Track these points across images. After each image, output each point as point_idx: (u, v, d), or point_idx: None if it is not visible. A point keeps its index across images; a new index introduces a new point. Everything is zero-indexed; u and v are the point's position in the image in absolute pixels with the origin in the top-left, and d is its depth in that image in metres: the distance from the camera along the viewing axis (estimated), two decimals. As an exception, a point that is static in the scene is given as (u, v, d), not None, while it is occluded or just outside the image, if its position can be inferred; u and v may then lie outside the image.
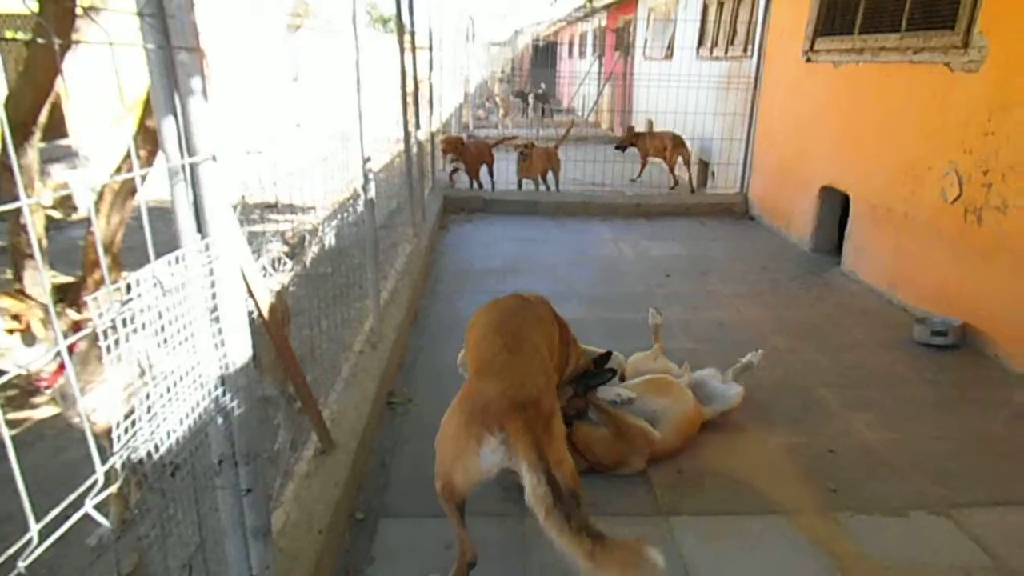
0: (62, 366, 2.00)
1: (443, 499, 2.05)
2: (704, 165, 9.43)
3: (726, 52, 8.75)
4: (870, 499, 2.75)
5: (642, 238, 6.84)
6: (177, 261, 1.30)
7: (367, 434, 2.95)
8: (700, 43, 9.74)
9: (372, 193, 3.66)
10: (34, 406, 3.40)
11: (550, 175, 8.59)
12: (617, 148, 9.14)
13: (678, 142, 8.66)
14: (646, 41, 12.82)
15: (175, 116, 1.31)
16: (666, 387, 3.10)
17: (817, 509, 2.68)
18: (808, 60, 6.37)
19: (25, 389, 3.51)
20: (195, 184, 1.36)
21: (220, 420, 1.49)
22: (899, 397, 3.60)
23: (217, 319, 1.43)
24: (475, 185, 8.41)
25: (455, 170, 8.32)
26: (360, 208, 3.63)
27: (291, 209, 5.74)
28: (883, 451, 3.09)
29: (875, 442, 3.16)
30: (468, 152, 8.23)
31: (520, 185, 8.51)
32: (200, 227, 1.40)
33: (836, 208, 6.13)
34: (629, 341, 4.15)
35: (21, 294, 2.04)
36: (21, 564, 0.81)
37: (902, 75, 4.98)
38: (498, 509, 2.67)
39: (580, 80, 18.99)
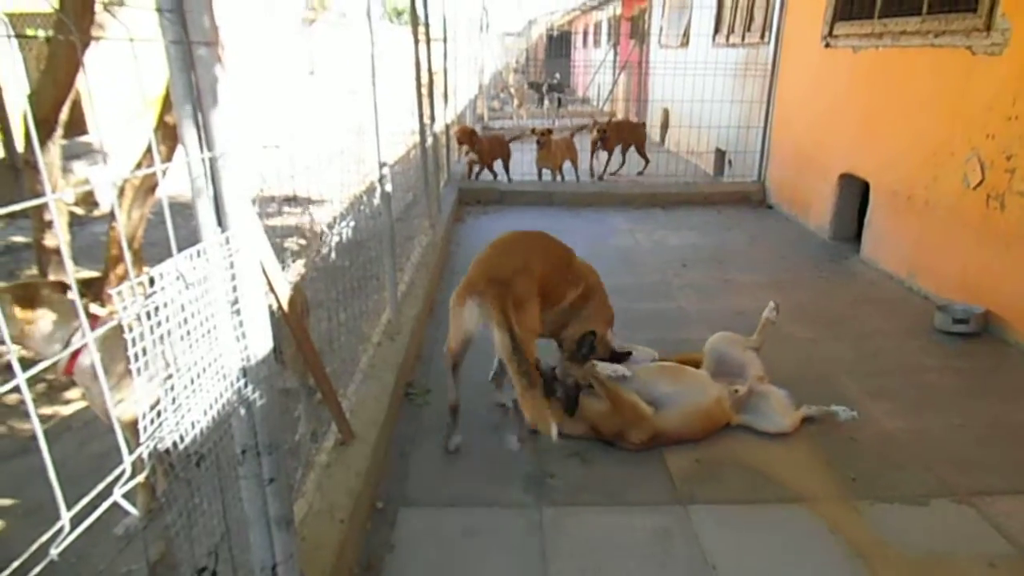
0: (76, 353, 2.03)
1: (447, 359, 2.95)
2: (721, 153, 9.34)
3: (743, 39, 8.64)
4: (891, 487, 2.73)
5: (659, 228, 6.80)
6: (199, 255, 1.31)
7: (386, 425, 2.97)
8: (716, 30, 9.62)
9: (388, 186, 3.67)
10: (65, 401, 3.47)
11: (567, 166, 8.57)
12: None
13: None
14: (661, 29, 12.69)
15: (194, 111, 1.32)
16: (678, 374, 3.14)
17: (837, 498, 2.67)
18: (827, 45, 6.27)
19: (54, 385, 3.58)
20: (215, 178, 1.38)
21: (243, 411, 1.51)
22: (920, 385, 3.56)
23: (238, 312, 1.45)
24: (482, 174, 8.39)
25: (473, 162, 8.31)
26: (376, 201, 3.64)
27: (309, 202, 5.77)
28: (904, 439, 3.06)
29: (896, 430, 3.13)
30: (481, 144, 8.21)
31: (540, 175, 8.49)
32: (220, 221, 1.41)
33: (855, 195, 6.05)
34: (646, 331, 4.14)
35: (59, 285, 2.08)
36: (54, 551, 0.83)
37: (923, 59, 4.88)
38: (518, 500, 2.69)
39: (595, 69, 18.85)
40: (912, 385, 3.56)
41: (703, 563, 2.34)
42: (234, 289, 1.44)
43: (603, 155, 9.07)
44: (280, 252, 2.19)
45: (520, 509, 2.65)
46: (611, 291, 5.10)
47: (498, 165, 8.46)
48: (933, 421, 3.21)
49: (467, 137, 8.11)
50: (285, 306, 2.11)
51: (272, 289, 2.00)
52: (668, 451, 2.96)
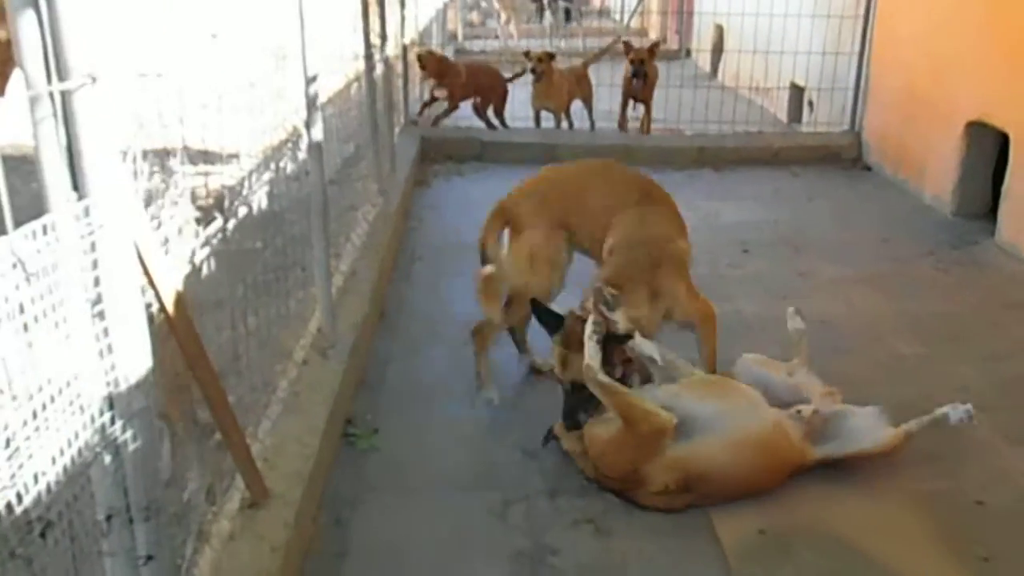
0: None
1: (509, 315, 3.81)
2: (798, 91, 9.39)
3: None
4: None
5: (708, 197, 6.83)
6: (44, 232, 1.31)
7: (315, 479, 2.97)
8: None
9: (319, 133, 3.65)
10: None
11: (578, 105, 8.58)
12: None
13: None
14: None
15: (39, 20, 1.31)
16: (720, 389, 3.20)
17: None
18: (950, -63, 6.31)
19: None
20: (68, 120, 1.37)
21: (108, 459, 1.50)
22: (1079, 425, 3.61)
23: (102, 315, 1.44)
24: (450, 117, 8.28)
25: (431, 101, 8.22)
26: (302, 155, 3.62)
27: (204, 156, 5.71)
28: (1056, 502, 3.11)
29: (1044, 489, 3.17)
30: (455, 75, 8.14)
31: (537, 119, 8.49)
32: (76, 183, 1.41)
33: (991, 153, 6.10)
34: (687, 344, 4.15)
35: None
36: None
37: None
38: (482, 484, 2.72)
39: (618, -31, 18.86)
40: (1067, 425, 3.61)
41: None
42: (96, 282, 1.43)
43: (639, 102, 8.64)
44: (163, 227, 2.18)
45: (483, 493, 2.68)
46: (640, 288, 5.18)
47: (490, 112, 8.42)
48: (1097, 476, 3.26)
49: (433, 65, 8.08)
50: (170, 307, 2.10)
51: (151, 282, 1.99)
52: (717, 516, 2.97)
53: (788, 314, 3.77)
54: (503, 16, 16.25)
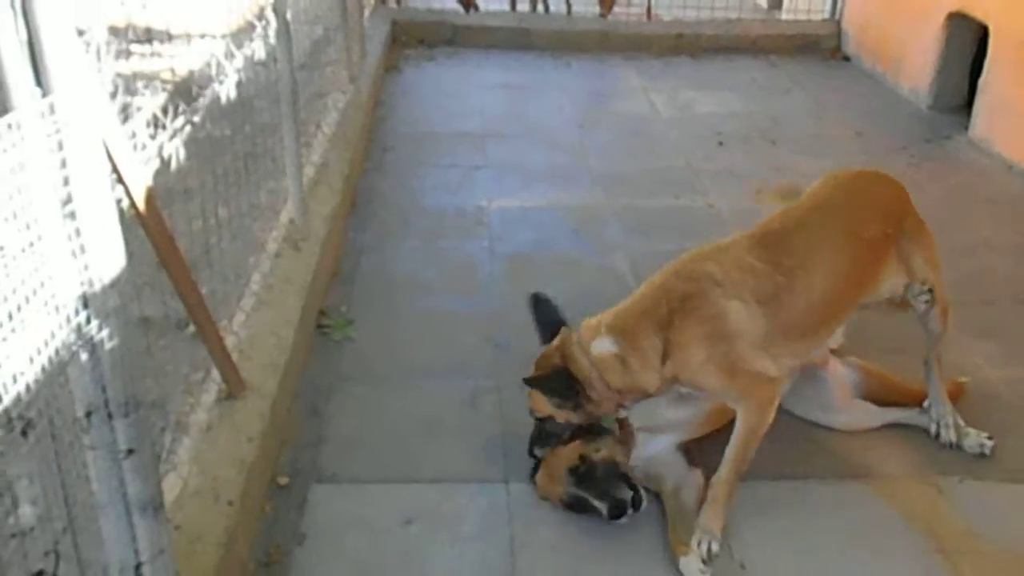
0: None
1: None
2: (779, -24, 9.19)
3: None
4: (987, 460, 2.88)
5: (685, 86, 6.76)
6: (8, 130, 1.28)
7: (290, 371, 3.01)
8: None
9: (287, 13, 3.55)
10: None
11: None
12: None
13: None
14: None
15: None
16: None
17: (913, 474, 2.82)
18: None
19: None
20: (28, 14, 1.32)
21: (85, 356, 1.51)
22: (1038, 320, 3.72)
23: (73, 215, 1.43)
24: None
25: None
26: (271, 39, 3.53)
27: (167, 37, 5.53)
28: (1012, 395, 3.22)
29: (1001, 382, 3.29)
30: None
31: (513, 2, 8.26)
32: (39, 78, 1.37)
33: (969, 46, 6.05)
34: (660, 238, 4.19)
35: None
36: None
37: None
38: (477, 473, 2.80)
39: None
40: (1026, 320, 3.71)
41: (728, 559, 2.49)
42: (65, 182, 1.41)
43: None
44: (130, 121, 2.13)
45: (480, 486, 2.75)
46: (613, 180, 5.18)
47: None
48: (1051, 369, 3.37)
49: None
50: (140, 202, 2.08)
51: (121, 179, 1.97)
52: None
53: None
54: None
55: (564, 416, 2.60)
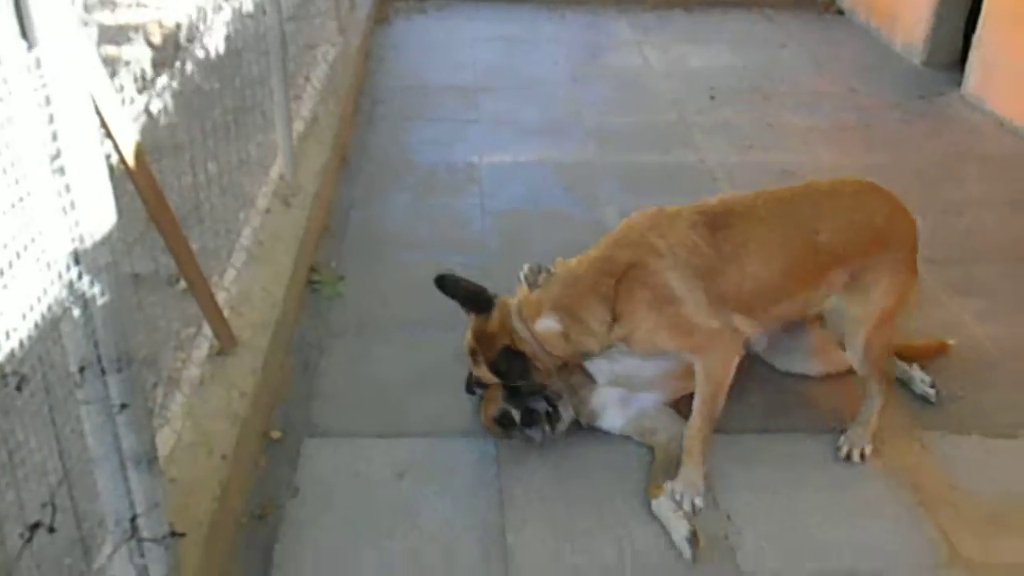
0: None
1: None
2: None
3: None
4: (970, 414, 2.92)
5: (678, 40, 6.72)
6: (-4, 84, 1.28)
7: (282, 327, 3.02)
8: None
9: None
10: None
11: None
12: None
13: None
14: None
15: None
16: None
17: (897, 427, 2.86)
18: None
19: None
20: (13, -34, 1.31)
21: (77, 312, 1.52)
22: (1025, 278, 3.76)
23: (62, 171, 1.42)
24: None
25: None
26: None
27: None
28: (996, 350, 3.26)
29: (987, 338, 3.32)
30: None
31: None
32: (24, 31, 1.35)
33: (964, 1, 6.01)
34: (651, 193, 4.19)
35: None
36: None
37: None
38: (467, 427, 2.84)
39: None
40: (1014, 277, 3.75)
41: (714, 510, 2.54)
42: (54, 137, 1.40)
43: None
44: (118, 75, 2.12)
45: (470, 439, 2.79)
46: (606, 135, 5.16)
47: None
48: (1037, 327, 3.41)
49: None
50: (130, 157, 2.07)
51: (109, 133, 1.96)
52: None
53: None
54: None
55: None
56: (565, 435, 2.75)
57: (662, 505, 2.50)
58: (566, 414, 2.75)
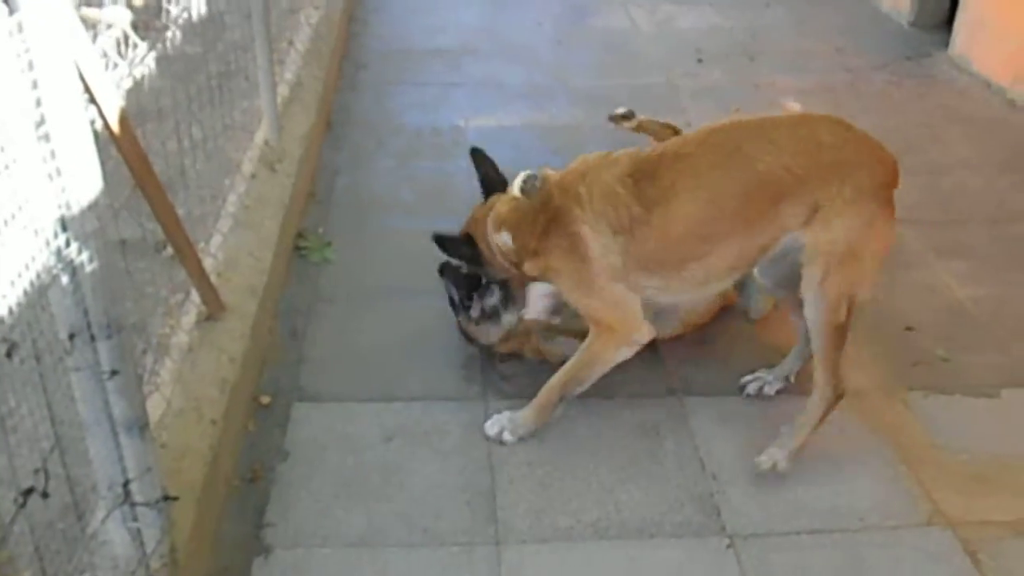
0: None
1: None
2: None
3: None
4: (952, 374, 2.98)
5: (665, 1, 6.66)
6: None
7: (269, 292, 3.04)
8: None
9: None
10: None
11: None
12: None
13: None
14: None
15: None
16: None
17: (879, 387, 2.91)
18: None
19: None
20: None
21: (65, 279, 1.53)
22: (1009, 239, 3.78)
23: (47, 137, 1.42)
24: None
25: None
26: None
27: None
28: (978, 311, 3.31)
29: (969, 300, 3.37)
30: None
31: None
32: (6, -3, 1.35)
33: (952, -41, 5.98)
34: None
35: None
36: None
37: None
38: (456, 391, 2.88)
39: None
40: (998, 239, 3.78)
41: (700, 471, 2.58)
42: (37, 103, 1.40)
43: None
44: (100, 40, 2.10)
45: (459, 403, 2.82)
46: (592, 98, 5.12)
47: None
48: (1019, 288, 3.46)
49: None
50: (114, 123, 2.06)
51: (93, 99, 1.95)
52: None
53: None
54: None
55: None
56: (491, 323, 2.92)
57: (492, 427, 2.66)
58: (505, 312, 2.90)
